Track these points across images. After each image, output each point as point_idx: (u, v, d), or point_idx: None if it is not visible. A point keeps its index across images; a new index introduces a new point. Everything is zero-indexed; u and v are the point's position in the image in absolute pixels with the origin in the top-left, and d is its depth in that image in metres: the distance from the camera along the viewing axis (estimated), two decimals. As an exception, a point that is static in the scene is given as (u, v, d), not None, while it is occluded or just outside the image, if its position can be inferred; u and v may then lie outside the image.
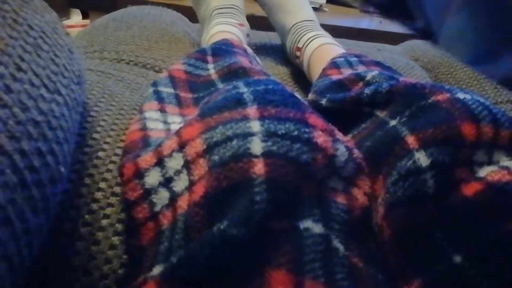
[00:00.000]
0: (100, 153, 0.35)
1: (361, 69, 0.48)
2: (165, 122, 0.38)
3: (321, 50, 0.61)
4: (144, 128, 0.36)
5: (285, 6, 0.71)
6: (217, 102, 0.31)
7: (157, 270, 0.24)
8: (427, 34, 0.21)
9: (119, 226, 0.31)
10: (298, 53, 0.66)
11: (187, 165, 0.28)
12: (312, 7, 0.75)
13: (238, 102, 0.30)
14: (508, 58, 0.19)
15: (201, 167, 0.27)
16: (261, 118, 0.28)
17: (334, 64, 0.51)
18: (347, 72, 0.47)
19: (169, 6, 0.85)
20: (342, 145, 0.29)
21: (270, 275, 0.23)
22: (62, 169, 0.25)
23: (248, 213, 0.23)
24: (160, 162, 0.29)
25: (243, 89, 0.31)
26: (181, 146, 0.29)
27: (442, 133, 0.28)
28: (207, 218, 0.24)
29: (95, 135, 0.36)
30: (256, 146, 0.26)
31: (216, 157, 0.26)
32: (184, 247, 0.24)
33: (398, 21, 0.22)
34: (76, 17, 1.42)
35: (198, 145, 0.28)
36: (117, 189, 0.32)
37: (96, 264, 0.29)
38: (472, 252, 0.26)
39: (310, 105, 0.37)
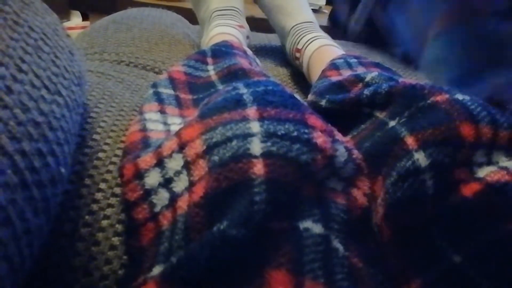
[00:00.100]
0: (100, 154, 0.35)
1: (360, 70, 0.48)
2: (165, 123, 0.38)
3: (320, 52, 0.61)
4: (144, 129, 0.36)
5: (284, 8, 0.71)
6: (216, 103, 0.31)
7: (157, 270, 0.24)
8: (406, 60, 0.22)
9: (119, 227, 0.31)
10: (297, 55, 0.66)
11: (187, 165, 0.28)
12: (312, 9, 0.76)
13: (238, 103, 0.30)
14: (487, 79, 0.19)
15: (201, 168, 0.27)
16: (261, 119, 0.28)
17: (333, 66, 0.51)
18: (346, 73, 0.47)
19: (169, 8, 0.86)
20: (342, 146, 0.29)
21: (270, 276, 0.23)
22: (63, 170, 0.25)
23: (247, 213, 0.23)
24: (160, 163, 0.29)
25: (243, 90, 0.31)
26: (181, 147, 0.29)
27: (441, 134, 0.28)
28: (207, 218, 0.25)
29: (95, 136, 0.36)
30: (256, 146, 0.26)
31: (216, 158, 0.26)
32: (184, 248, 0.24)
33: (378, 49, 0.22)
34: (76, 19, 1.43)
35: (198, 146, 0.28)
36: (117, 190, 0.33)
37: (96, 265, 0.29)
38: (471, 253, 0.26)
39: (309, 106, 0.37)
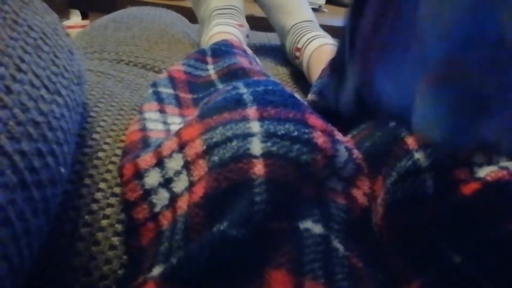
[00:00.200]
0: (100, 154, 0.35)
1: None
2: (165, 123, 0.38)
3: (320, 51, 0.61)
4: (143, 129, 0.36)
5: (284, 7, 0.71)
6: (216, 103, 0.31)
7: (157, 270, 0.24)
8: (399, 121, 0.22)
9: (119, 227, 0.31)
10: (297, 54, 0.66)
11: (187, 165, 0.28)
12: (312, 8, 0.75)
13: (238, 102, 0.30)
14: (479, 129, 0.20)
15: (200, 168, 0.27)
16: (261, 118, 0.28)
17: (333, 65, 0.51)
18: (346, 72, 0.47)
19: (168, 7, 0.85)
20: (342, 146, 0.29)
21: (270, 276, 0.23)
22: (62, 170, 0.25)
23: (248, 213, 0.23)
24: (160, 163, 0.29)
25: (243, 89, 0.31)
26: (181, 147, 0.29)
27: None
28: (207, 218, 0.25)
29: (95, 136, 0.36)
30: (256, 146, 0.26)
31: (215, 158, 0.26)
32: (184, 248, 0.24)
33: (371, 120, 0.23)
34: (75, 18, 1.42)
35: (197, 146, 0.28)
36: (117, 190, 0.33)
37: (96, 265, 0.29)
38: (471, 252, 0.26)
39: (309, 106, 0.37)
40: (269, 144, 0.26)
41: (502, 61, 0.18)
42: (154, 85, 0.43)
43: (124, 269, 0.29)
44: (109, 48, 0.61)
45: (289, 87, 0.66)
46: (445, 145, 0.22)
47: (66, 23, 1.37)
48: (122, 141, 0.37)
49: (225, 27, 0.64)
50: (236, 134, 0.27)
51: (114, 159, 0.35)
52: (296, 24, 0.69)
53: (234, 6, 0.69)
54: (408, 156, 0.29)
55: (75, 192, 0.31)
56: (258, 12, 0.82)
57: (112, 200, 0.32)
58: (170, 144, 0.30)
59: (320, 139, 0.27)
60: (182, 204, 0.27)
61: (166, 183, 0.29)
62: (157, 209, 0.28)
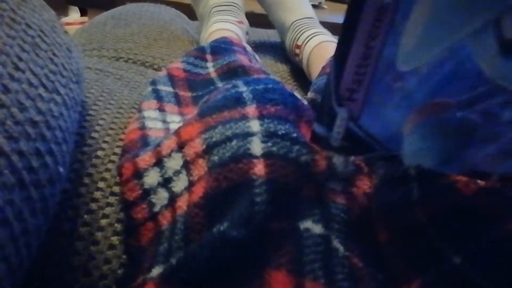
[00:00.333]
0: (99, 152, 0.35)
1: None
2: (164, 121, 0.37)
3: (320, 48, 0.61)
4: (143, 127, 0.35)
5: (284, 4, 0.71)
6: (216, 102, 0.30)
7: (156, 271, 0.24)
8: (390, 158, 0.24)
9: (118, 226, 0.31)
10: (297, 51, 0.66)
11: (187, 165, 0.28)
12: (312, 5, 0.75)
13: (238, 101, 0.29)
14: (466, 159, 0.22)
15: (200, 168, 0.27)
16: (261, 117, 0.28)
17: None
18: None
19: (168, 3, 0.85)
20: None
21: (270, 276, 0.23)
22: (61, 169, 0.25)
23: (248, 214, 0.23)
24: (159, 162, 0.29)
25: (243, 88, 0.31)
26: (180, 146, 0.29)
27: None
28: (206, 219, 0.24)
29: (94, 134, 0.36)
30: (256, 146, 0.26)
31: (215, 158, 0.26)
32: (183, 248, 0.24)
33: (364, 154, 0.24)
34: (74, 14, 1.42)
35: (197, 145, 0.27)
36: (116, 189, 0.32)
37: (96, 264, 0.29)
38: (471, 253, 0.26)
39: (309, 104, 0.37)
40: (269, 144, 0.26)
41: (483, 92, 0.20)
42: (153, 83, 0.43)
43: (124, 269, 0.29)
44: (107, 45, 0.61)
45: (289, 85, 0.66)
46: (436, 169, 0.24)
47: (65, 19, 1.37)
48: (121, 139, 0.37)
49: (225, 24, 0.63)
50: (236, 133, 0.27)
51: (113, 158, 0.35)
52: (296, 21, 0.68)
53: (234, 2, 0.69)
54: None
55: (74, 191, 0.31)
56: (257, 8, 0.82)
57: (111, 199, 0.32)
58: (169, 143, 0.30)
59: None
60: (182, 204, 0.27)
61: (166, 182, 0.28)
62: (156, 209, 0.28)
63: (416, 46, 0.19)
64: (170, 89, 0.43)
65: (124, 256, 0.30)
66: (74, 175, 0.32)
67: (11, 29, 0.25)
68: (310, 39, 0.63)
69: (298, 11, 0.70)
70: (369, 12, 0.19)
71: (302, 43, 0.64)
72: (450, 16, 0.18)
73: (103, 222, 0.30)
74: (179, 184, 0.28)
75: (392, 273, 0.28)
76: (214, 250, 0.23)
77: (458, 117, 0.21)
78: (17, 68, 0.23)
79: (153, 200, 0.28)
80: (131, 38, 0.64)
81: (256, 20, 0.86)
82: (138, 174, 0.29)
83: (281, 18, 0.71)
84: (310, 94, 0.48)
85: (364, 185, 0.30)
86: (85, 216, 0.30)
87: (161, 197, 0.28)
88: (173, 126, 0.36)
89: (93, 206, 0.31)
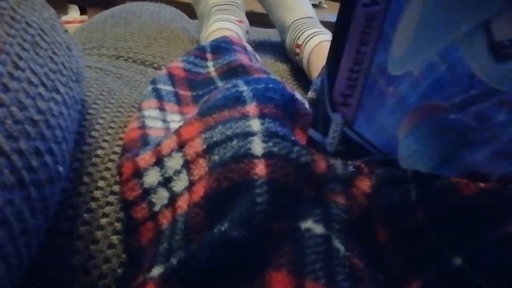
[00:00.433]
0: (99, 151, 0.34)
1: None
2: (164, 121, 0.37)
3: (321, 47, 0.61)
4: (143, 127, 0.35)
5: (284, 3, 0.70)
6: (216, 101, 0.30)
7: (156, 271, 0.24)
8: (387, 161, 0.24)
9: (118, 225, 0.31)
10: (297, 50, 0.66)
11: (187, 165, 0.28)
12: (312, 4, 0.75)
13: (238, 100, 0.29)
14: (464, 160, 0.23)
15: (201, 167, 0.27)
16: (261, 116, 0.28)
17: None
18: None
19: (168, 2, 0.85)
20: None
21: (270, 276, 0.23)
22: (61, 168, 0.25)
23: (249, 214, 0.23)
24: (159, 162, 0.29)
25: (243, 87, 0.31)
26: (181, 146, 0.29)
27: None
28: (207, 219, 0.24)
29: (94, 133, 0.36)
30: (257, 146, 0.26)
31: (216, 158, 0.26)
32: (184, 248, 0.24)
33: (360, 159, 0.25)
34: (74, 13, 1.41)
35: (197, 145, 0.27)
36: (116, 188, 0.32)
37: (95, 263, 0.29)
38: (471, 253, 0.26)
39: (310, 104, 0.37)
40: (270, 144, 0.26)
41: (476, 95, 0.20)
42: (154, 82, 0.43)
43: (123, 268, 0.29)
44: (107, 44, 0.61)
45: (289, 84, 0.66)
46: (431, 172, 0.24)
47: (65, 18, 1.36)
48: (121, 138, 0.37)
49: (225, 23, 0.63)
50: (236, 132, 0.27)
51: (113, 157, 0.35)
52: (296, 20, 0.68)
53: (234, 1, 0.69)
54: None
55: (74, 191, 0.31)
56: (258, 8, 0.82)
57: (111, 198, 0.32)
58: (170, 143, 0.29)
59: None
60: (182, 204, 0.26)
61: (166, 182, 0.28)
62: (156, 209, 0.28)
63: (406, 52, 0.20)
64: (170, 88, 0.43)
65: (123, 255, 0.30)
66: (74, 174, 0.32)
67: (11, 27, 0.24)
68: (311, 38, 0.63)
69: (299, 10, 0.70)
70: (359, 19, 0.19)
71: (303, 42, 0.64)
72: (438, 22, 0.19)
73: (103, 221, 0.30)
74: (180, 184, 0.28)
75: (392, 273, 0.28)
76: (215, 250, 0.23)
77: (452, 120, 0.21)
78: (17, 67, 0.23)
79: (153, 200, 0.28)
80: (131, 37, 0.63)
81: (256, 19, 0.86)
82: (138, 173, 0.29)
83: (282, 18, 0.71)
84: (310, 94, 0.48)
85: (364, 185, 0.30)
86: (85, 215, 0.30)
87: (161, 196, 0.28)
88: (173, 126, 0.36)
89: (93, 205, 0.31)
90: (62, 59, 0.29)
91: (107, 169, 0.33)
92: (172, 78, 0.45)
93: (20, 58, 0.24)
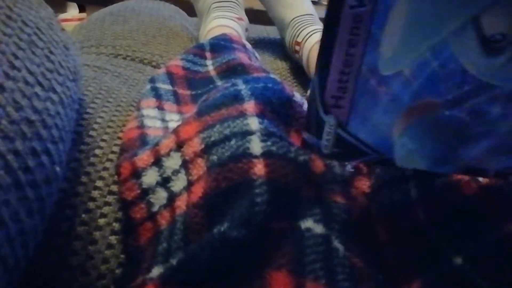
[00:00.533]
0: (97, 151, 0.34)
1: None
2: (163, 120, 0.37)
3: (320, 45, 0.60)
4: (141, 126, 0.35)
5: (284, 0, 0.70)
6: (215, 100, 0.30)
7: (156, 271, 0.24)
8: (383, 161, 0.24)
9: (116, 225, 0.30)
10: (297, 48, 0.66)
11: (185, 164, 0.28)
12: (311, 1, 0.75)
13: (236, 98, 0.29)
14: (461, 156, 0.23)
15: (199, 167, 0.26)
16: (259, 114, 0.28)
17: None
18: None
19: (166, -1, 0.84)
20: None
21: (270, 277, 0.22)
22: (58, 168, 0.24)
23: (248, 214, 0.23)
24: (157, 162, 0.29)
25: (241, 86, 0.31)
26: (179, 146, 0.28)
27: None
28: (206, 219, 0.24)
29: (92, 133, 0.36)
30: (256, 146, 0.25)
31: (214, 157, 0.26)
32: (183, 249, 0.24)
33: (356, 160, 0.25)
34: (72, 11, 1.41)
35: (196, 145, 0.27)
36: (114, 188, 0.32)
37: (94, 264, 0.29)
38: (472, 253, 0.26)
39: (308, 103, 0.36)
40: (269, 143, 0.25)
41: (469, 90, 0.20)
42: (152, 80, 0.43)
43: (122, 269, 0.29)
44: (106, 42, 0.61)
45: (288, 82, 0.65)
46: (428, 170, 0.24)
47: (63, 16, 1.36)
48: (119, 138, 0.36)
49: (224, 20, 0.63)
50: (234, 132, 0.27)
51: (111, 156, 0.34)
52: (296, 17, 0.68)
53: (233, -1, 0.68)
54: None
55: (72, 190, 0.31)
56: (257, 5, 0.81)
57: (109, 198, 0.32)
58: (168, 143, 0.29)
59: None
60: (181, 204, 0.26)
61: (164, 182, 0.28)
62: (155, 209, 0.28)
63: (395, 52, 0.20)
64: (169, 87, 0.43)
65: (122, 256, 0.29)
66: (72, 174, 0.31)
67: (7, 26, 0.24)
68: (310, 36, 0.63)
69: (298, 7, 0.70)
70: (346, 20, 0.19)
71: (302, 40, 0.64)
72: (426, 20, 0.18)
73: (101, 221, 0.30)
74: (178, 184, 0.28)
75: (392, 273, 0.27)
76: (214, 250, 0.23)
77: (447, 116, 0.21)
78: (13, 66, 0.23)
79: (152, 200, 0.28)
80: (130, 35, 0.63)
81: (256, 16, 0.86)
82: (137, 173, 0.29)
83: (281, 15, 0.70)
84: (309, 92, 0.48)
85: (363, 185, 0.30)
86: (83, 215, 0.30)
87: (159, 196, 0.28)
88: (172, 125, 0.36)
89: (91, 205, 0.31)
90: (59, 58, 0.29)
91: (105, 168, 0.33)
92: (171, 76, 0.44)
93: (16, 57, 0.23)
